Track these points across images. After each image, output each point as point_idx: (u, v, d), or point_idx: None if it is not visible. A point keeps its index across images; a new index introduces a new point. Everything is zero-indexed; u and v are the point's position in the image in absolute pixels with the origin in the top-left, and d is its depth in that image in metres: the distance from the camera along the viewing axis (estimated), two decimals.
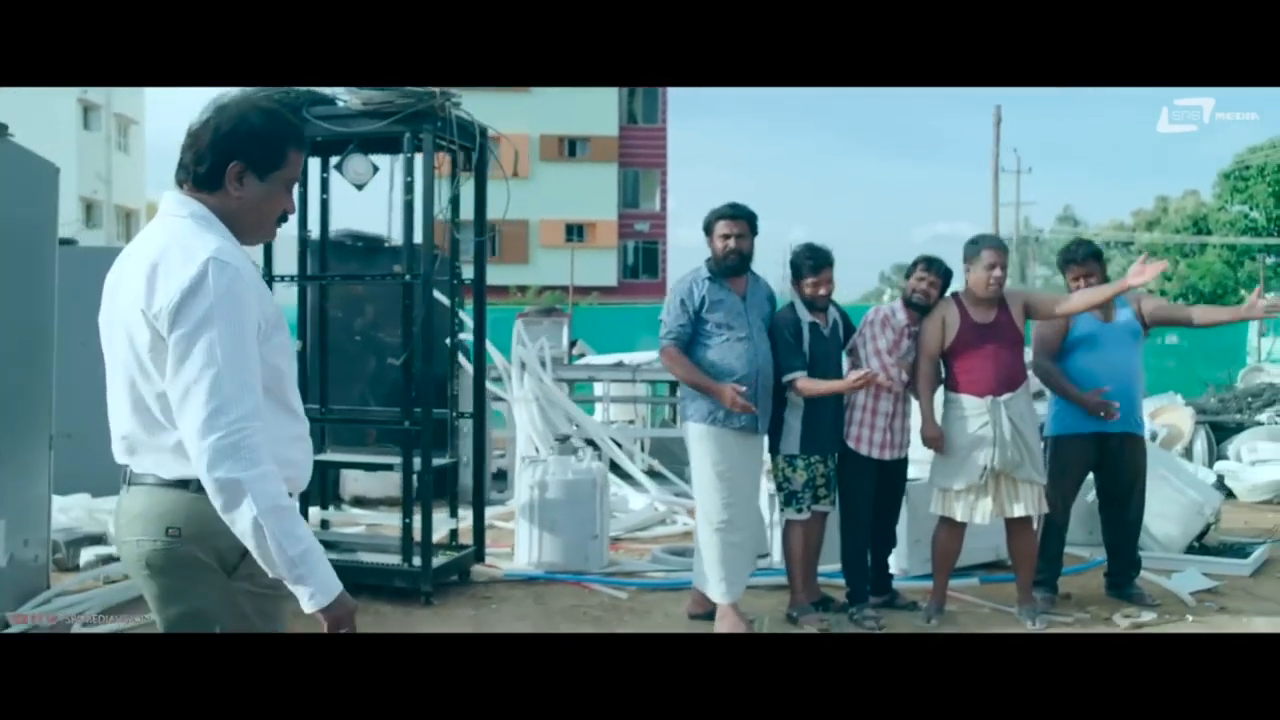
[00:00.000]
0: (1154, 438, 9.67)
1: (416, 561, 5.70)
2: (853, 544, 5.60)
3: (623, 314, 22.36)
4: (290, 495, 2.31)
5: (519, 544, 6.63)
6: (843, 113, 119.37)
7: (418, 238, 5.74)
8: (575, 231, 39.21)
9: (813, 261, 5.48)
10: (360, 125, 5.60)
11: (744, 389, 5.08)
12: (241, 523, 2.13)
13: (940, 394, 5.55)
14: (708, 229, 5.41)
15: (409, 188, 5.65)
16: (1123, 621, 5.54)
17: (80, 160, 35.35)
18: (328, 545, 6.29)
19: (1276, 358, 18.98)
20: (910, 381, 5.57)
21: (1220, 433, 10.31)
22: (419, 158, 5.72)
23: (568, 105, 37.92)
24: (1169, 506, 6.73)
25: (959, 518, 5.42)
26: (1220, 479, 9.41)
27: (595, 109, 39.06)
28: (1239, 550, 6.81)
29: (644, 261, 41.34)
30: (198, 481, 2.17)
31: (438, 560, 5.89)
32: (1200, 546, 6.82)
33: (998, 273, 5.38)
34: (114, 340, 2.30)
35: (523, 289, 33.86)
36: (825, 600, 5.71)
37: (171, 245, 2.23)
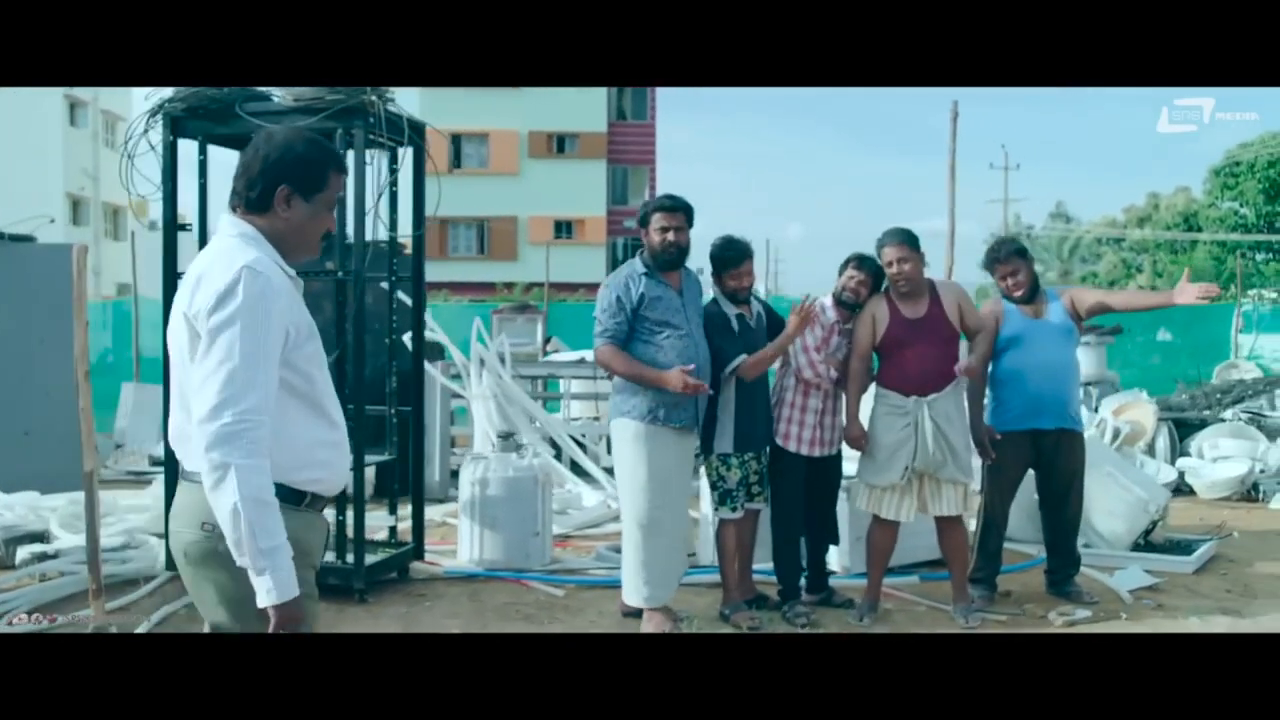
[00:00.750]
0: (1117, 434, 9.66)
1: (352, 559, 5.68)
2: (784, 541, 5.57)
3: None
4: (322, 496, 2.61)
5: (460, 541, 6.60)
6: (841, 110, 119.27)
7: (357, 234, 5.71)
8: (564, 228, 39.18)
9: (733, 254, 5.44)
10: (292, 122, 5.55)
11: (691, 366, 5.03)
12: (223, 504, 2.31)
13: (873, 387, 5.52)
14: (644, 222, 5.34)
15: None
16: (1057, 619, 5.51)
17: (66, 157, 35.32)
18: None
19: (1255, 355, 18.97)
20: (840, 378, 5.53)
21: (1185, 429, 10.29)
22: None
23: (556, 102, 37.84)
24: (1115, 504, 6.72)
25: (883, 514, 5.40)
26: (1181, 475, 9.42)
27: (584, 106, 38.98)
28: (1185, 547, 6.78)
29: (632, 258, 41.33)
30: None
31: (374, 557, 5.87)
32: (1146, 544, 6.79)
33: (905, 268, 5.30)
34: (170, 345, 2.54)
35: (509, 285, 33.81)
36: (760, 598, 5.69)
37: (217, 258, 2.49)
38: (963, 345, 5.59)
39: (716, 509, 5.50)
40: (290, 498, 2.50)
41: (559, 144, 40.35)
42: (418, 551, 6.24)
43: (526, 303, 17.01)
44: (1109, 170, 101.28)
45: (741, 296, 5.46)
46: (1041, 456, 5.74)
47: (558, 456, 9.05)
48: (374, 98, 5.50)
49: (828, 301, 5.58)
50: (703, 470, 5.69)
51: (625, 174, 41.63)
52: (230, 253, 2.48)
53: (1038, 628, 5.40)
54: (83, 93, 34.96)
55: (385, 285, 6.39)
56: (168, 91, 5.70)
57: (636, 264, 5.31)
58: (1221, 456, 9.46)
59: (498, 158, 39.40)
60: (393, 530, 6.36)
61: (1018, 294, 5.74)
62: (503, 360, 9.12)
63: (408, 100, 6.06)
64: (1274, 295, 23.33)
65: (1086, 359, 14.15)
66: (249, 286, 2.40)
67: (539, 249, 35.18)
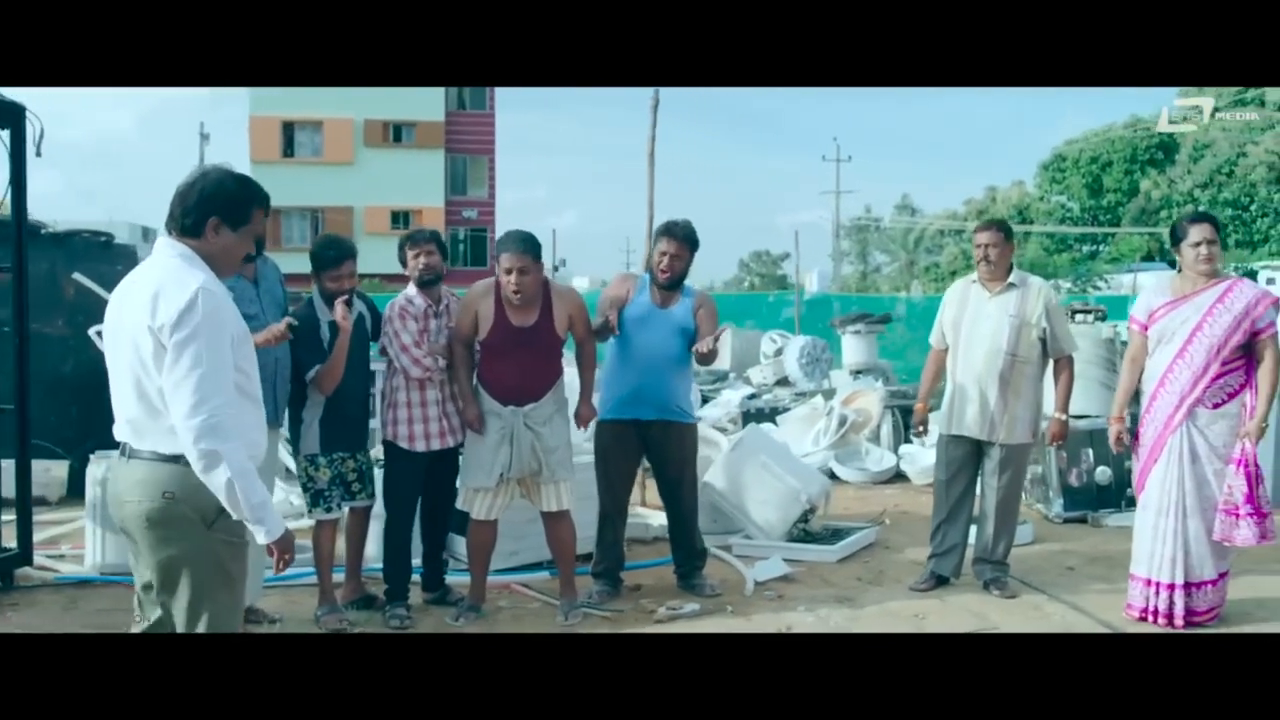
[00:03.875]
0: (844, 422, 9.78)
1: None
2: (393, 541, 5.40)
3: None
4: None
5: (87, 545, 6.28)
6: (702, 106, 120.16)
7: None
8: (401, 218, 38.46)
9: (334, 253, 5.22)
10: None
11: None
12: (217, 481, 2.86)
13: None
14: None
15: None
16: (664, 613, 5.45)
17: None
18: None
19: None
20: (450, 364, 5.35)
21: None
22: None
23: (393, 90, 36.97)
24: (768, 493, 6.71)
25: (475, 515, 5.26)
26: (899, 461, 9.55)
27: (421, 94, 38.21)
28: (841, 535, 6.81)
29: (472, 249, 40.86)
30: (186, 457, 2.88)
31: None
32: (804, 533, 6.80)
33: (524, 280, 5.04)
34: (120, 347, 2.99)
35: None
36: (369, 598, 5.51)
37: (168, 278, 2.94)
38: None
39: (310, 510, 5.30)
40: None
41: (396, 133, 39.61)
42: (24, 557, 5.90)
43: None
44: (951, 163, 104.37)
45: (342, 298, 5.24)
46: (649, 447, 5.67)
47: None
48: None
49: (413, 291, 5.39)
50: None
51: (464, 164, 41.13)
52: (179, 273, 2.95)
53: (639, 625, 5.32)
54: None
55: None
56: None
57: None
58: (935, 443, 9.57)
59: (332, 146, 38.55)
60: None
61: (664, 277, 5.63)
62: None
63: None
64: (1069, 285, 24.08)
65: (856, 347, 14.27)
66: (205, 305, 2.88)
67: (375, 239, 34.60)
